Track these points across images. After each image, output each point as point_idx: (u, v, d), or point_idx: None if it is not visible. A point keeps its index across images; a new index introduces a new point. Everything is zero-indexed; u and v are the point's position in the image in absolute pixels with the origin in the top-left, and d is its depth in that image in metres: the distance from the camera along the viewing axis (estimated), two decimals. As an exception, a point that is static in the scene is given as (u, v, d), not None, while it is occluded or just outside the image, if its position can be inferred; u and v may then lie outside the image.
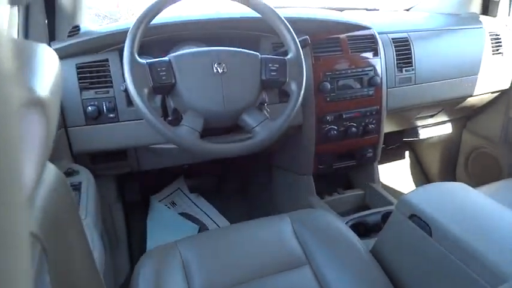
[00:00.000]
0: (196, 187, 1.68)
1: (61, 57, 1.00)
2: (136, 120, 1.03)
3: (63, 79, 1.00)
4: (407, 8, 1.73)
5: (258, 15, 0.96)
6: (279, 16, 0.95)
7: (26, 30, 1.03)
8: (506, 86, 1.50)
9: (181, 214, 1.62)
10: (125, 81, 0.85)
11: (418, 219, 0.77)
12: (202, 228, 1.57)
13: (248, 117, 0.91)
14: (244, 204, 1.72)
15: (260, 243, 0.88)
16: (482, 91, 1.46)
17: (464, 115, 1.67)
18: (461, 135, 1.75)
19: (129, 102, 0.99)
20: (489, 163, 1.64)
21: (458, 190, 0.84)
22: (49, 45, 1.02)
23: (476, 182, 1.69)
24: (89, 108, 1.00)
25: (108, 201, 1.29)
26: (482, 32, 1.43)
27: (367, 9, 1.68)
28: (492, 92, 1.51)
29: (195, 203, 1.67)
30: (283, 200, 1.49)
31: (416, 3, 1.71)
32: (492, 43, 1.44)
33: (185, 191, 1.70)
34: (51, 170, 0.30)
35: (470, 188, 0.85)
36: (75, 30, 1.08)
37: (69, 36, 1.07)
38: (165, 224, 1.57)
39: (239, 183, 1.76)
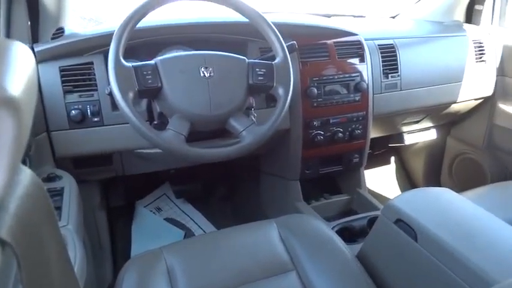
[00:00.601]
0: (182, 192, 1.66)
1: (44, 60, 0.99)
2: (122, 124, 1.02)
3: (46, 82, 0.98)
4: (393, 16, 1.75)
5: (245, 19, 0.96)
6: (266, 21, 0.95)
7: (8, 32, 1.01)
8: (489, 93, 1.53)
9: (167, 220, 1.60)
10: (109, 84, 0.83)
11: (404, 224, 0.78)
12: (188, 234, 1.56)
13: (235, 121, 0.90)
14: (231, 209, 1.71)
15: (246, 249, 0.88)
16: (466, 98, 1.48)
17: (448, 121, 1.69)
18: (446, 141, 1.77)
19: (114, 105, 0.98)
20: (473, 168, 1.67)
21: (443, 195, 0.85)
22: (32, 47, 1.01)
23: (460, 187, 1.71)
24: (73, 111, 0.98)
25: (91, 206, 1.26)
26: (466, 40, 1.46)
27: (354, 16, 1.70)
28: (475, 99, 1.53)
29: (181, 209, 1.65)
30: (270, 205, 1.48)
31: (401, 11, 1.73)
32: (476, 51, 1.47)
33: (171, 196, 1.68)
34: (26, 174, 0.29)
35: (455, 193, 0.86)
36: (59, 32, 1.06)
37: (52, 38, 1.05)
38: (150, 230, 1.55)
39: (226, 189, 1.75)
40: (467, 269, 0.65)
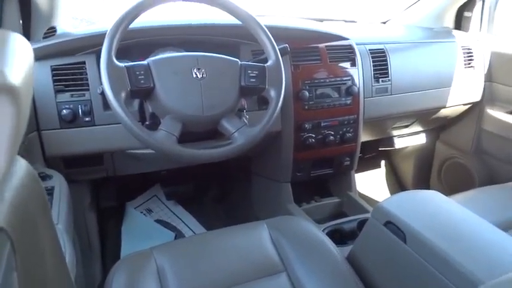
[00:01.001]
0: (173, 194, 1.66)
1: (36, 59, 0.98)
2: (113, 124, 1.01)
3: (38, 81, 0.97)
4: (383, 21, 1.78)
5: (239, 22, 0.96)
6: (259, 24, 0.96)
7: (-1, 30, 1.00)
8: (478, 99, 1.56)
9: (158, 221, 1.59)
10: (101, 84, 0.83)
11: (393, 226, 0.79)
12: (179, 235, 1.55)
13: (227, 123, 0.91)
14: (222, 211, 1.71)
15: (237, 250, 0.88)
16: (455, 103, 1.51)
17: (437, 126, 1.71)
18: (435, 146, 1.80)
19: (106, 105, 0.97)
20: (461, 173, 1.69)
21: (432, 198, 0.86)
22: (23, 46, 1.00)
23: (449, 190, 1.74)
24: (64, 111, 0.98)
25: (81, 207, 1.25)
26: (455, 46, 1.48)
27: (345, 21, 1.71)
28: (464, 104, 1.56)
29: (171, 210, 1.65)
30: (261, 207, 1.49)
31: (392, 17, 1.76)
32: (464, 57, 1.49)
33: (162, 198, 1.68)
34: (21, 164, 0.29)
35: (443, 196, 0.87)
36: (52, 31, 1.06)
37: (44, 37, 1.05)
38: (140, 231, 1.55)
39: (217, 191, 1.75)
40: (455, 270, 0.66)
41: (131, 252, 0.88)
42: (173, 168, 1.35)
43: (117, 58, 0.85)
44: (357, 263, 0.87)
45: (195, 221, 1.62)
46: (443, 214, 0.81)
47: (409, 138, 1.68)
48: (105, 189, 1.50)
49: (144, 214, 1.61)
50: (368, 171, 1.89)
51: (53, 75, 0.98)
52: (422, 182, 1.85)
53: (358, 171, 1.52)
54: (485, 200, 1.11)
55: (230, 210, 1.69)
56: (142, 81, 0.85)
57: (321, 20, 1.60)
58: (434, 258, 0.70)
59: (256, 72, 0.94)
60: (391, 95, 1.35)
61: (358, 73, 1.27)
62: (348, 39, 1.29)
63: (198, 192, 1.70)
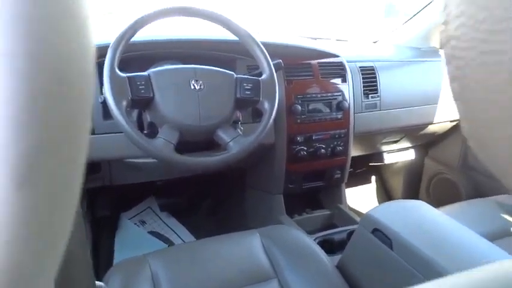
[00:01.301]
0: (167, 206, 1.67)
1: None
2: (112, 133, 1.04)
3: None
4: (374, 41, 1.84)
5: (235, 38, 1.01)
6: (255, 40, 1.00)
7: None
8: (464, 116, 1.61)
9: (151, 233, 1.60)
10: (103, 93, 0.87)
11: (380, 233, 0.82)
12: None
13: (223, 133, 0.95)
14: (215, 224, 1.72)
15: (230, 257, 0.90)
16: (442, 119, 1.56)
17: (425, 142, 1.76)
18: (424, 161, 1.84)
19: (106, 115, 1.00)
20: (449, 188, 1.73)
21: (418, 207, 0.90)
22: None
23: (437, 205, 1.77)
24: None
25: (76, 216, 1.27)
26: (442, 65, 1.55)
27: (337, 40, 1.78)
28: (451, 121, 1.61)
29: (165, 222, 1.66)
30: (254, 219, 1.51)
31: (382, 37, 1.82)
32: (450, 75, 1.55)
33: (156, 209, 1.69)
34: None
35: (429, 206, 0.91)
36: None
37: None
38: (133, 242, 1.55)
39: (211, 203, 1.77)
40: (440, 275, 0.69)
41: (125, 258, 0.89)
42: (168, 180, 1.37)
43: (119, 69, 0.88)
44: (346, 270, 0.90)
45: (188, 232, 1.63)
46: (428, 222, 0.84)
47: (399, 154, 1.72)
48: (101, 199, 1.52)
49: (138, 225, 1.62)
50: (358, 186, 1.93)
51: None
52: (412, 197, 1.89)
53: (348, 186, 1.55)
54: (471, 212, 1.15)
55: (223, 222, 1.70)
56: (142, 91, 0.89)
57: (315, 39, 1.66)
58: (420, 264, 0.73)
59: (251, 85, 0.98)
60: (380, 110, 1.40)
61: (348, 89, 1.31)
62: (339, 56, 1.34)
63: (192, 204, 1.72)
